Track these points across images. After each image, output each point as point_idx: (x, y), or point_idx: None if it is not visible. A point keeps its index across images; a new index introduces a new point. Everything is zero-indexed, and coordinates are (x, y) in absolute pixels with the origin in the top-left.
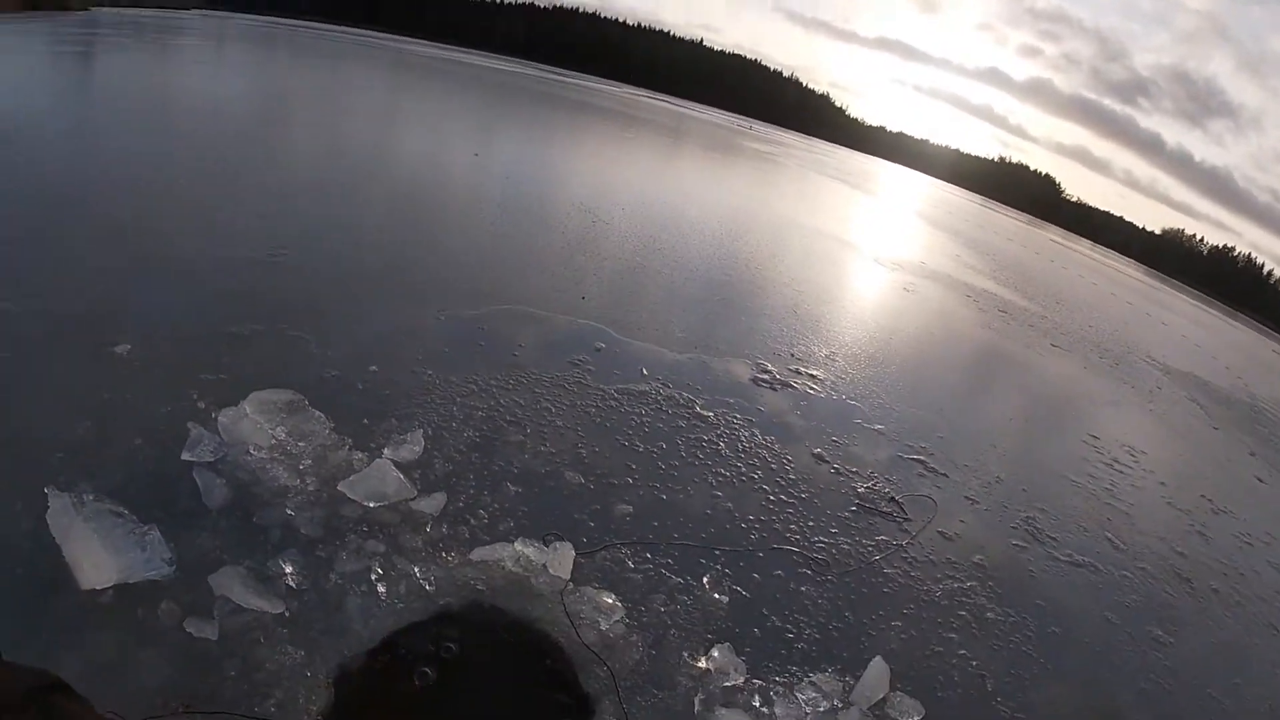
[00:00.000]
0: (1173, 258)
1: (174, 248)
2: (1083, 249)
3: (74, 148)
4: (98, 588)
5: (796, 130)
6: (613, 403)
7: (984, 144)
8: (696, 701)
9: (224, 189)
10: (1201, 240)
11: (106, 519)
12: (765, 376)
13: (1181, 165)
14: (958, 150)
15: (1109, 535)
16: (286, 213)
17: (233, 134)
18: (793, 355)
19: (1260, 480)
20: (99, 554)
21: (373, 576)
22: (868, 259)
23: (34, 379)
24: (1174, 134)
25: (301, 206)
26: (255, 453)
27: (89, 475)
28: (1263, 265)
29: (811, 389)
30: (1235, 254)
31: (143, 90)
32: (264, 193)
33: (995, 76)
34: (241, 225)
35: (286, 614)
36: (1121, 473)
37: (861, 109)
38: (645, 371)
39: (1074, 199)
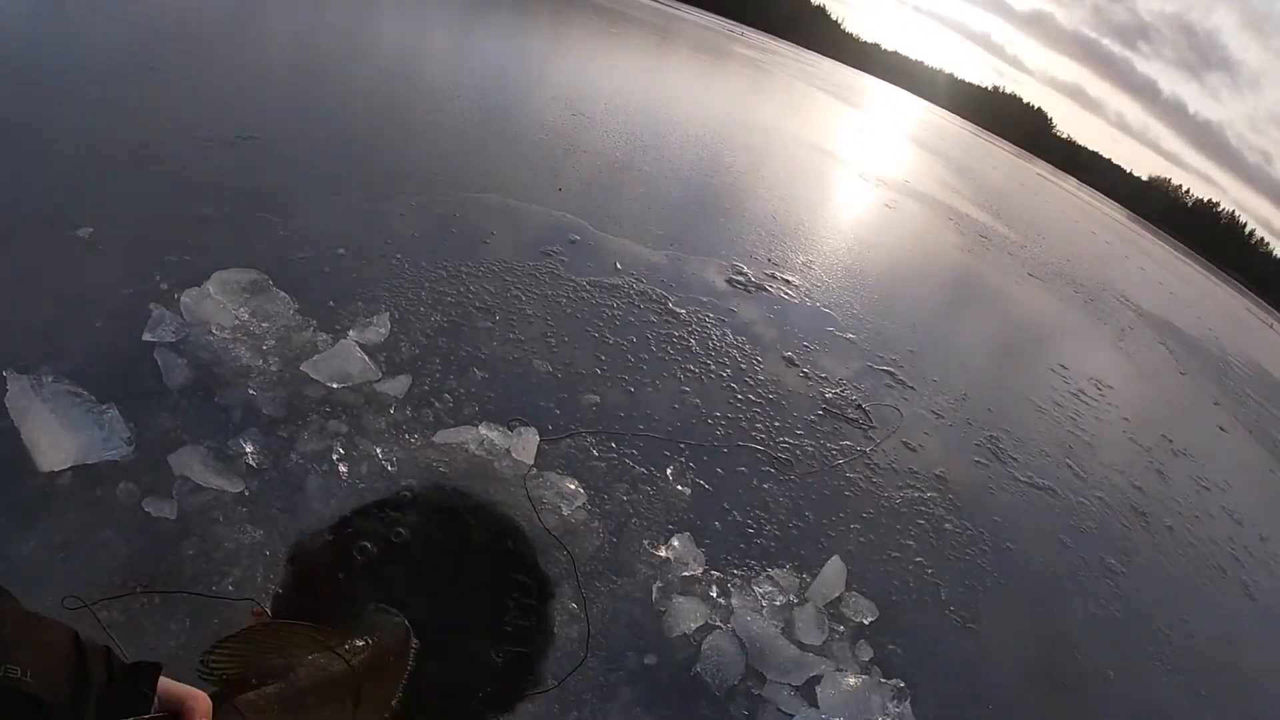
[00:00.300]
0: (1157, 205)
1: (139, 130)
2: (1069, 187)
3: (36, 30)
4: (56, 469)
5: (788, 40)
6: (584, 294)
7: (979, 71)
8: (654, 589)
9: (194, 73)
10: (1187, 192)
11: (65, 399)
12: (740, 279)
13: (1175, 115)
14: (951, 75)
15: (1069, 462)
16: (257, 98)
17: (204, 19)
18: (769, 260)
19: (1222, 429)
20: (57, 434)
21: (334, 457)
22: (851, 173)
23: None
24: (1170, 83)
25: (273, 92)
26: (218, 333)
27: (49, 358)
28: (1245, 224)
29: (786, 294)
30: (1220, 210)
31: None
32: (234, 77)
33: (996, 4)
34: (210, 109)
35: (246, 493)
36: (1086, 404)
37: (857, 24)
38: (619, 266)
39: (1064, 136)
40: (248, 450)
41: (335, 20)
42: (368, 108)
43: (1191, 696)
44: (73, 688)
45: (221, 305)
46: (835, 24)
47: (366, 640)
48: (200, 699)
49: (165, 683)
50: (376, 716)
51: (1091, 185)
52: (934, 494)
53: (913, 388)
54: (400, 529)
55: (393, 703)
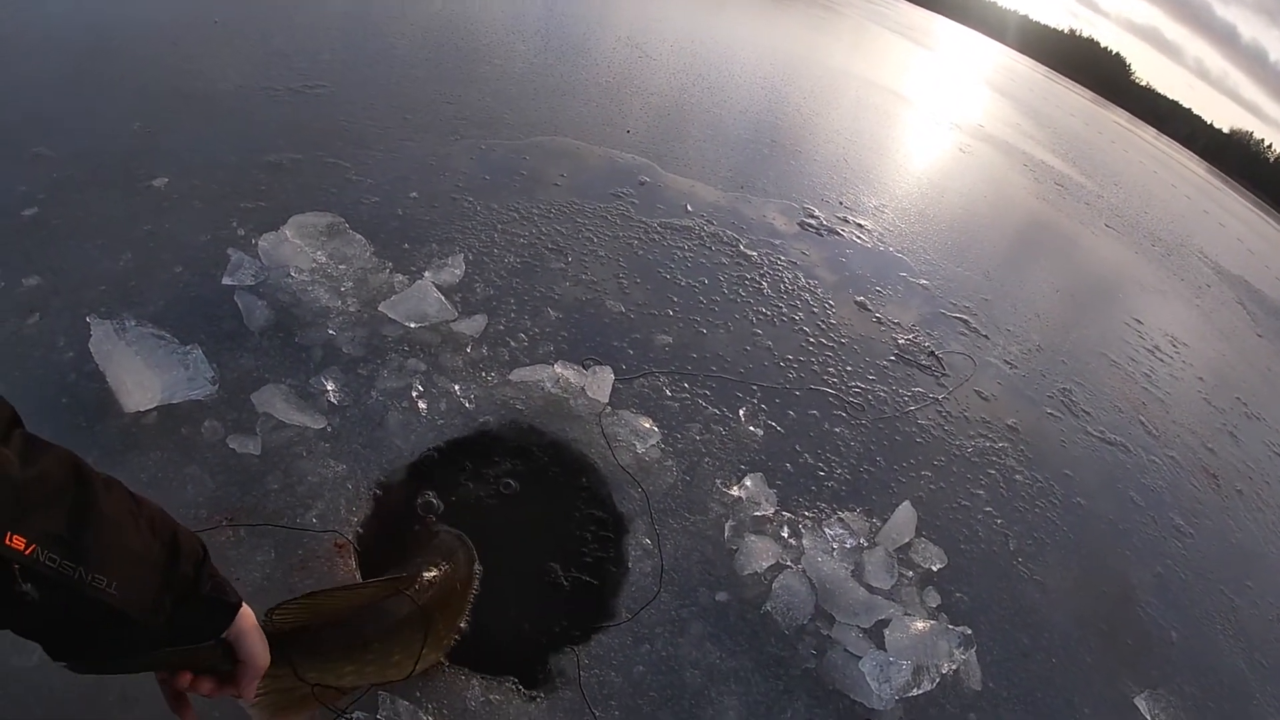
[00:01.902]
0: (1237, 159)
1: (208, 82)
2: (1146, 136)
3: None
4: (142, 409)
5: None
6: (655, 236)
7: (1054, 13)
8: (726, 527)
9: (257, 22)
10: (1269, 146)
11: (149, 341)
12: (812, 221)
13: (1255, 62)
14: (1026, 16)
15: (1142, 419)
16: (321, 45)
17: None
18: (841, 203)
19: None
20: (142, 374)
21: (413, 394)
22: (924, 116)
23: (74, 217)
24: (1251, 28)
25: (338, 40)
26: (296, 275)
27: (130, 304)
28: None
29: (858, 238)
30: None
31: None
32: (297, 26)
33: None
34: (275, 58)
35: (328, 429)
36: (1161, 361)
37: None
38: (690, 208)
39: (1142, 83)
40: (329, 388)
41: None
42: (433, 53)
43: (1253, 666)
44: (153, 599)
45: (299, 248)
46: None
47: (435, 570)
48: (260, 660)
49: (243, 624)
50: (446, 642)
51: (1170, 135)
52: (1005, 444)
53: (986, 336)
54: (478, 464)
55: (460, 624)
